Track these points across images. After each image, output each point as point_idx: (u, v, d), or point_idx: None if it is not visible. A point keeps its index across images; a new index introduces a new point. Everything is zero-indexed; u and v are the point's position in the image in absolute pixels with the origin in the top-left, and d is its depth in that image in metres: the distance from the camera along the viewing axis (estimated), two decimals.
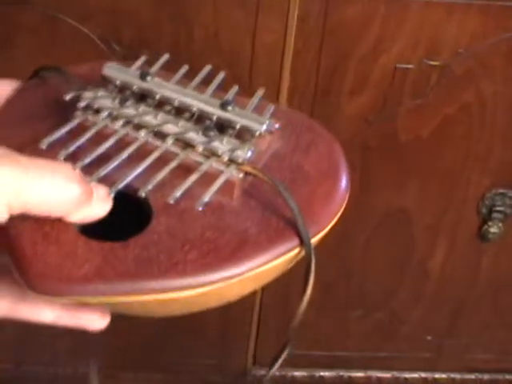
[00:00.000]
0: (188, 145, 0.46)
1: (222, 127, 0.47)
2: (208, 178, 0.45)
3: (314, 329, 1.18)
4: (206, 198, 0.44)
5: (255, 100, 0.50)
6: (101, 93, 0.48)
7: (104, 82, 0.49)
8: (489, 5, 0.87)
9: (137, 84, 0.48)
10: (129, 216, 0.44)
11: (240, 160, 0.46)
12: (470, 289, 1.14)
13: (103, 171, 0.44)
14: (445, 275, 1.12)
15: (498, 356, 1.24)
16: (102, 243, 0.42)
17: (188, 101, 0.48)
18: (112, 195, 0.43)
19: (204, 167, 0.45)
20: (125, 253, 0.41)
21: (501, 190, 1.03)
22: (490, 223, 1.05)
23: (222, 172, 0.45)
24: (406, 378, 1.25)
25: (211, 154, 0.46)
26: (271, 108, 0.50)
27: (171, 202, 0.44)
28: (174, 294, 0.41)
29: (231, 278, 0.42)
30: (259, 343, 1.18)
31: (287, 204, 0.44)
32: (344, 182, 0.49)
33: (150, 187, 0.44)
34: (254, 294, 1.12)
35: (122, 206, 0.43)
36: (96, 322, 0.45)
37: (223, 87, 0.51)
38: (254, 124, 0.47)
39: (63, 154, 0.45)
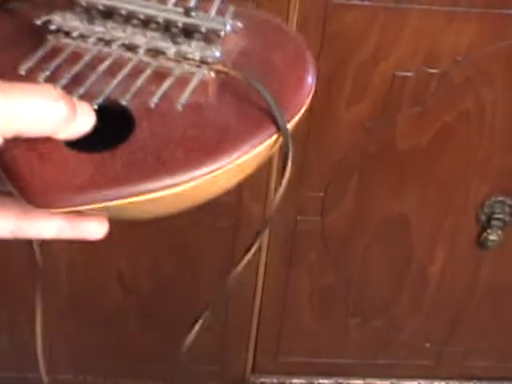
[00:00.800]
0: (159, 53, 0.49)
1: (189, 33, 0.49)
2: (182, 81, 0.47)
3: (313, 336, 1.18)
4: (184, 98, 0.46)
5: (217, 3, 0.52)
6: (69, 15, 0.50)
7: (70, 4, 0.50)
8: (487, 13, 0.87)
9: (101, 3, 0.50)
10: (112, 129, 0.45)
11: (210, 60, 0.48)
12: (468, 296, 1.14)
13: (82, 88, 0.46)
14: (444, 282, 1.12)
15: (496, 363, 1.24)
16: (92, 154, 0.44)
17: (152, 12, 0.49)
18: (95, 107, 0.45)
19: (177, 71, 0.48)
20: (113, 160, 0.43)
21: (500, 198, 1.03)
22: (489, 231, 1.05)
23: (194, 73, 0.48)
24: None
25: (182, 58, 0.48)
26: (232, 9, 0.52)
27: (151, 105, 0.45)
28: (166, 191, 0.43)
29: (217, 169, 0.44)
30: (258, 351, 1.18)
31: (261, 95, 0.46)
32: (311, 71, 0.51)
33: (128, 96, 0.46)
34: (252, 301, 1.12)
35: (105, 120, 0.45)
36: (95, 230, 0.46)
37: None
38: (217, 25, 0.49)
39: (42, 76, 0.46)
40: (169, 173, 0.43)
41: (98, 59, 0.48)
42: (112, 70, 0.47)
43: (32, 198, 0.43)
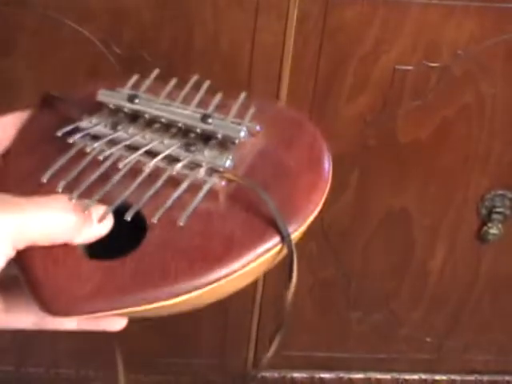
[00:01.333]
0: (175, 159, 0.50)
1: (206, 138, 0.51)
2: (194, 188, 0.49)
3: (314, 330, 1.18)
4: (187, 213, 0.47)
5: (236, 106, 0.53)
6: (95, 120, 0.52)
7: (99, 105, 0.53)
8: (487, 7, 0.87)
9: (127, 107, 0.52)
10: (128, 230, 0.47)
11: (221, 169, 0.50)
12: (469, 290, 1.15)
13: (101, 191, 0.48)
14: (444, 276, 1.12)
15: (497, 357, 1.24)
16: (103, 262, 0.46)
17: (173, 117, 0.52)
18: (111, 213, 0.47)
19: (190, 179, 0.49)
20: (122, 269, 0.46)
21: (500, 192, 1.03)
22: (489, 224, 1.05)
23: (205, 181, 0.49)
24: (405, 380, 1.25)
25: (195, 165, 0.50)
26: (252, 111, 0.53)
27: (162, 212, 0.47)
28: (168, 301, 0.45)
29: (218, 280, 0.46)
30: (259, 345, 1.19)
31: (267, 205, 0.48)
32: (324, 174, 0.52)
33: (143, 201, 0.48)
34: (253, 295, 1.13)
35: (121, 222, 0.47)
36: (115, 324, 0.48)
37: (213, 90, 0.55)
38: (232, 133, 0.51)
39: (62, 184, 0.48)
40: (172, 284, 0.45)
41: (118, 164, 0.50)
42: (130, 175, 0.49)
43: (44, 305, 0.45)
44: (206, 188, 0.49)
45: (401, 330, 1.19)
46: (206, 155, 0.50)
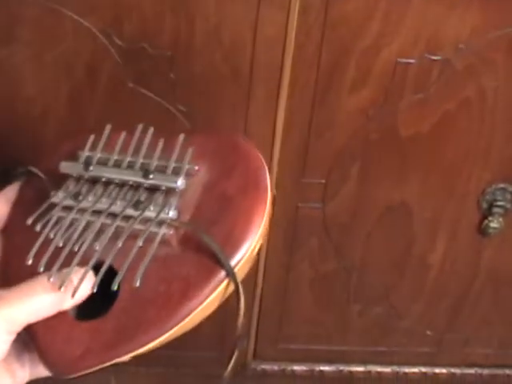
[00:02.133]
0: (131, 217, 0.57)
1: (153, 189, 0.59)
2: (150, 238, 0.56)
3: (314, 323, 1.19)
4: (141, 273, 0.54)
5: (175, 152, 0.60)
6: (61, 194, 0.60)
7: (65, 178, 0.61)
8: (489, 0, 0.87)
9: (85, 176, 0.61)
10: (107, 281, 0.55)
11: (168, 220, 0.57)
12: (470, 283, 1.15)
13: (76, 258, 0.55)
14: (445, 270, 1.12)
15: (497, 351, 1.24)
16: (89, 322, 0.55)
17: (122, 177, 0.60)
18: (90, 271, 0.55)
19: (144, 235, 0.56)
20: (105, 327, 0.54)
21: (501, 185, 1.03)
22: (490, 218, 1.05)
23: (157, 232, 0.56)
24: (405, 373, 1.25)
25: (147, 220, 0.57)
26: (190, 152, 0.60)
27: (126, 267, 0.55)
28: (146, 347, 0.54)
29: (182, 320, 0.54)
30: (259, 337, 1.19)
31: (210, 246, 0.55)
32: (262, 196, 0.58)
33: (111, 257, 0.55)
34: (254, 288, 1.13)
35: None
36: None
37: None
38: (171, 184, 0.58)
39: (42, 264, 0.56)
40: (146, 333, 0.54)
41: (88, 227, 0.58)
42: (98, 235, 0.57)
43: (49, 368, 0.55)
44: (157, 239, 0.56)
45: (401, 323, 1.19)
46: (153, 209, 0.57)
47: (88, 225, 0.58)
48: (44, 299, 0.54)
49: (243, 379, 1.23)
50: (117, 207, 0.58)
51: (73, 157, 0.62)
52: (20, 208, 0.63)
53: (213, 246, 0.54)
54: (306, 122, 0.96)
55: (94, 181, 0.61)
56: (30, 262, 0.57)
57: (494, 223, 1.05)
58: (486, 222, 1.05)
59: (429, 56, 0.91)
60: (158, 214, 0.57)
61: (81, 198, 0.59)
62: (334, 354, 1.23)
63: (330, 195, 1.03)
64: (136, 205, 0.57)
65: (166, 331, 0.54)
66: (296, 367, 1.24)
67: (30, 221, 0.58)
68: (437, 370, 1.26)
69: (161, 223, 0.56)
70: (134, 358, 0.62)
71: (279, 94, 0.93)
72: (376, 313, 1.18)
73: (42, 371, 0.57)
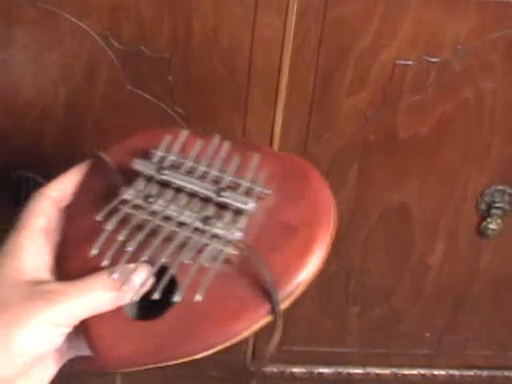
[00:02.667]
0: (199, 230, 0.58)
1: (222, 206, 0.59)
2: (214, 255, 0.57)
3: (313, 325, 1.18)
4: (203, 288, 0.55)
5: (249, 173, 0.60)
6: (131, 191, 0.60)
7: (137, 173, 0.61)
8: (487, 1, 0.87)
9: (156, 177, 0.60)
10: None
11: (234, 241, 0.57)
12: (469, 285, 1.15)
13: (143, 257, 0.56)
14: (444, 271, 1.12)
15: (496, 352, 1.24)
16: (142, 322, 0.56)
17: (194, 189, 0.60)
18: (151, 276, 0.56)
19: (210, 248, 0.57)
20: (159, 330, 0.56)
21: (500, 187, 1.03)
22: (489, 220, 1.05)
23: (221, 251, 0.57)
24: (404, 375, 1.25)
25: (214, 237, 0.57)
26: (264, 175, 0.60)
27: (191, 277, 0.56)
28: (190, 357, 0.57)
29: (230, 339, 0.57)
30: (258, 338, 1.19)
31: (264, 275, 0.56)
32: (327, 229, 0.59)
33: (176, 265, 0.56)
34: None
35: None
36: None
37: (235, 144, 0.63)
38: (242, 205, 0.58)
39: (106, 262, 0.57)
40: (193, 344, 0.56)
41: (156, 230, 0.58)
42: (165, 242, 0.57)
43: (99, 362, 0.56)
44: (221, 258, 0.56)
45: (400, 325, 1.19)
46: (221, 227, 0.57)
47: (156, 229, 0.58)
48: (104, 297, 0.55)
49: (242, 381, 1.23)
50: (186, 217, 0.58)
51: (145, 154, 0.62)
52: (84, 192, 0.62)
53: (267, 278, 0.56)
54: (304, 124, 0.96)
55: (164, 184, 0.60)
56: (93, 253, 0.57)
57: (493, 225, 1.05)
58: (484, 223, 1.06)
59: (427, 58, 0.91)
60: (226, 233, 0.57)
61: (151, 200, 0.59)
62: (333, 355, 1.23)
63: None
64: (205, 219, 0.58)
65: (213, 347, 0.56)
66: (295, 369, 1.24)
67: (99, 217, 0.58)
68: (436, 372, 1.26)
69: (226, 242, 0.57)
70: None
71: (277, 95, 0.93)
72: (375, 315, 1.18)
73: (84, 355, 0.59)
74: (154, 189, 0.60)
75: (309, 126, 0.96)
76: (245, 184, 0.60)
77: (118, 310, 0.56)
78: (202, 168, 0.61)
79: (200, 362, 0.58)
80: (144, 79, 0.91)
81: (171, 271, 0.56)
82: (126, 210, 0.59)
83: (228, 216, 0.58)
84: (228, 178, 0.60)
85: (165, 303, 0.56)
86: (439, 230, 1.08)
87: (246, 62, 0.90)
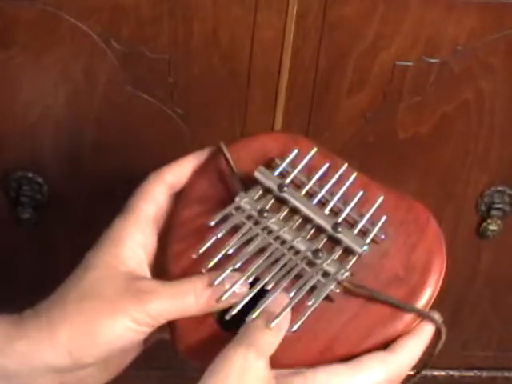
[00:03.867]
0: (305, 258, 0.57)
1: (335, 241, 0.58)
2: (318, 290, 0.56)
3: None
4: (299, 322, 0.54)
5: (368, 214, 0.59)
6: (246, 200, 0.58)
7: (255, 181, 0.60)
8: (487, 2, 0.87)
9: (275, 193, 0.59)
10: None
11: (339, 279, 0.56)
12: (468, 286, 1.15)
13: (242, 276, 0.55)
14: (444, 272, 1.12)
15: (496, 353, 1.24)
16: (224, 333, 0.55)
17: (311, 215, 0.58)
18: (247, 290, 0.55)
19: (312, 280, 0.56)
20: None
21: (500, 188, 1.03)
22: (489, 220, 1.05)
23: (324, 285, 0.56)
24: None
25: (320, 270, 0.56)
26: (382, 220, 0.59)
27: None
28: None
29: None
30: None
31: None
32: (434, 280, 0.60)
33: (276, 286, 0.56)
34: None
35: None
36: None
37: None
38: (357, 247, 0.57)
39: (207, 266, 0.56)
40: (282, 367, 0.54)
41: (264, 248, 0.57)
42: (273, 263, 0.56)
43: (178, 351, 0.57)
44: (323, 294, 0.55)
45: None
46: (329, 263, 0.56)
47: (265, 247, 0.57)
48: (195, 305, 0.54)
49: None
50: (298, 243, 0.57)
51: (268, 161, 0.61)
52: (198, 183, 0.61)
53: (392, 300, 0.56)
54: (303, 125, 0.96)
55: (281, 200, 0.60)
56: (197, 255, 0.56)
57: (493, 226, 1.05)
58: (484, 224, 1.05)
59: (427, 59, 0.91)
60: (335, 271, 0.56)
61: (266, 215, 0.58)
62: None
63: None
64: (316, 251, 0.57)
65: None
66: None
67: (212, 223, 0.57)
68: (435, 373, 1.25)
69: (333, 279, 0.56)
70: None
71: (277, 96, 0.93)
72: None
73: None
74: (269, 203, 0.59)
75: (308, 127, 0.96)
76: (363, 223, 0.59)
77: (208, 316, 0.56)
78: (322, 194, 0.60)
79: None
80: (144, 80, 0.91)
81: (273, 294, 0.54)
82: (239, 218, 0.58)
83: (338, 252, 0.57)
84: (347, 212, 0.59)
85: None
86: None
87: (246, 62, 0.90)
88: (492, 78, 0.93)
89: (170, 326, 0.57)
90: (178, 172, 0.61)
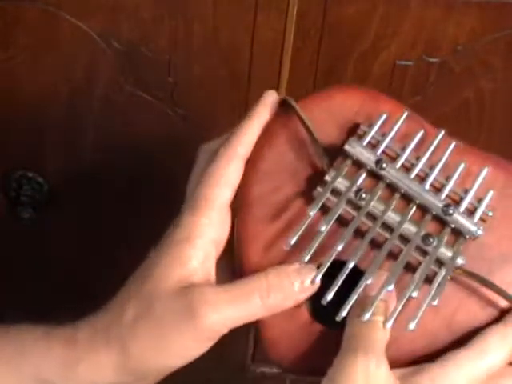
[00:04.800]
0: (409, 241, 0.50)
1: (442, 222, 0.51)
2: (435, 281, 0.50)
3: None
4: (417, 318, 0.48)
5: (474, 187, 0.53)
6: (340, 179, 0.51)
7: (345, 152, 0.52)
8: (487, 2, 0.87)
9: (371, 168, 0.52)
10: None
11: (453, 267, 0.50)
12: None
13: (328, 259, 0.49)
14: None
15: None
16: (323, 329, 0.50)
17: (413, 193, 0.51)
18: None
19: (422, 267, 0.50)
20: (333, 341, 0.49)
21: None
22: None
23: (442, 276, 0.50)
24: None
25: (429, 255, 0.50)
26: (489, 196, 0.53)
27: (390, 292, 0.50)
28: None
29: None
30: (258, 340, 1.19)
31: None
32: None
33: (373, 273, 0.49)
34: None
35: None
36: None
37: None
38: (469, 231, 0.51)
39: (306, 257, 0.49)
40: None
41: (358, 229, 0.51)
42: (373, 242, 0.51)
43: (266, 350, 0.53)
44: (443, 287, 0.49)
45: None
46: (443, 249, 0.50)
47: (368, 233, 0.50)
48: (260, 305, 0.49)
49: (242, 382, 1.23)
50: (406, 230, 0.50)
51: (351, 126, 0.53)
52: (269, 151, 0.53)
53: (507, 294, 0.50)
54: None
55: (375, 175, 0.52)
56: (289, 244, 0.49)
57: None
58: None
59: (427, 58, 0.91)
60: (448, 258, 0.50)
61: (364, 196, 0.50)
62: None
63: None
64: (425, 237, 0.50)
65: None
66: None
67: (310, 212, 0.50)
68: None
69: (447, 267, 0.50)
70: None
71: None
72: None
73: None
74: (363, 179, 0.52)
75: None
76: (469, 200, 0.52)
77: (300, 310, 0.50)
78: (421, 167, 0.53)
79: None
80: (144, 80, 0.91)
81: (378, 297, 0.48)
82: (340, 206, 0.51)
83: (448, 236, 0.51)
84: (451, 187, 0.52)
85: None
86: None
87: (246, 63, 0.90)
88: (492, 78, 0.93)
89: (259, 333, 0.53)
90: (248, 140, 0.53)
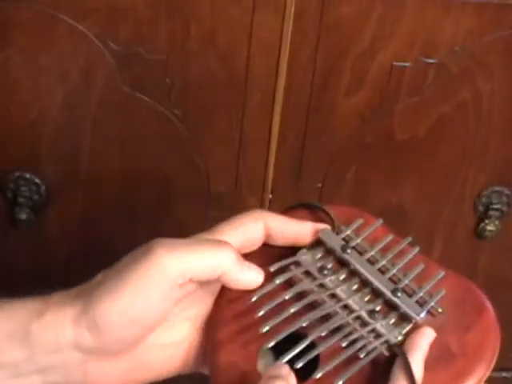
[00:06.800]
0: (359, 319, 0.56)
1: (391, 306, 0.57)
2: (368, 350, 0.54)
3: None
4: (344, 378, 0.52)
5: (428, 286, 0.58)
6: (308, 257, 0.58)
7: (320, 241, 0.60)
8: (485, 2, 0.87)
9: (338, 254, 0.59)
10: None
11: (391, 343, 0.55)
12: None
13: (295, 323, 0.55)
14: None
15: None
16: None
17: (371, 279, 0.58)
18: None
19: (364, 341, 0.55)
20: None
21: (497, 188, 1.03)
22: (486, 221, 1.05)
23: (375, 349, 0.55)
24: None
25: (373, 331, 0.55)
26: (441, 294, 0.58)
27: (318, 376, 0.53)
28: None
29: None
30: None
31: None
32: (483, 369, 0.59)
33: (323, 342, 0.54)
34: None
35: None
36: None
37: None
38: (414, 313, 0.56)
39: (262, 312, 0.55)
40: None
41: (317, 303, 0.56)
42: (324, 318, 0.56)
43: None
44: (372, 355, 0.54)
45: None
46: (383, 325, 0.56)
47: (319, 303, 0.57)
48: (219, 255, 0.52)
49: None
50: (353, 303, 0.57)
51: (333, 225, 0.61)
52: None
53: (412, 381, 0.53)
54: (301, 126, 0.96)
55: (342, 263, 0.59)
56: (253, 299, 0.56)
57: (491, 226, 1.05)
58: (482, 225, 1.05)
59: (424, 59, 0.91)
60: (388, 334, 0.55)
61: (326, 272, 0.58)
62: None
63: (326, 199, 1.03)
64: (371, 312, 0.56)
65: None
66: None
67: (272, 268, 0.57)
68: None
69: (384, 342, 0.55)
70: None
71: (275, 97, 0.93)
72: None
73: None
74: (331, 263, 0.59)
75: (306, 128, 0.96)
76: (421, 294, 0.58)
77: (252, 361, 0.55)
78: (384, 262, 0.59)
79: None
80: (141, 81, 0.91)
81: (320, 349, 0.54)
82: (296, 271, 0.57)
83: (394, 318, 0.57)
84: (406, 282, 0.58)
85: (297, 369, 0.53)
86: (437, 232, 1.08)
87: (244, 63, 0.90)
88: (490, 79, 0.93)
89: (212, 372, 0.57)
90: (281, 225, 0.59)
